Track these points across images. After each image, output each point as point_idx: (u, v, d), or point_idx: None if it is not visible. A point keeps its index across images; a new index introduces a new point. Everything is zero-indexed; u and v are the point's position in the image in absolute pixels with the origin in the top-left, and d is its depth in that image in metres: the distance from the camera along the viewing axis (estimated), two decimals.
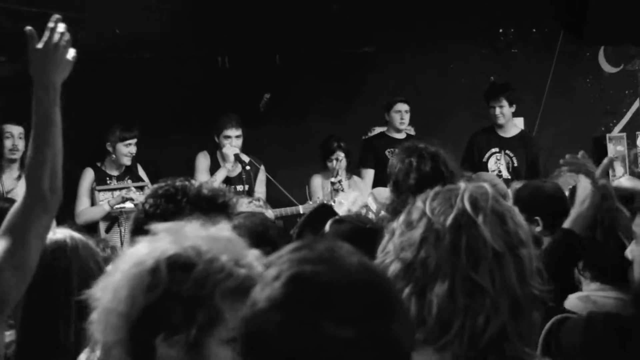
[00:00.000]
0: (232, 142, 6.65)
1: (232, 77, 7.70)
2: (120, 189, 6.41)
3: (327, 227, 2.82)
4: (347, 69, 7.98)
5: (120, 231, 6.22)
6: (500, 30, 8.43)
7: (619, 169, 8.09)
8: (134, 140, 6.55)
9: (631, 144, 8.32)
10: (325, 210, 3.22)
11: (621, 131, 8.47)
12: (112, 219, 6.29)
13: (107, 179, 6.55)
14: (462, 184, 1.68)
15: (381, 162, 6.63)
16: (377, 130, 7.88)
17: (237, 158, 6.60)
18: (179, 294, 1.54)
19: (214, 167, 6.79)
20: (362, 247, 2.30)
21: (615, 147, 8.17)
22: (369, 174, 7.19)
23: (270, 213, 6.09)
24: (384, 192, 4.98)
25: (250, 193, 6.30)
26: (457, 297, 1.54)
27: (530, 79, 7.97)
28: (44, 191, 2.18)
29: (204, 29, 7.59)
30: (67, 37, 2.20)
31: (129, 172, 6.62)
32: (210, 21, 7.57)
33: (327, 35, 7.81)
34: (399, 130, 7.31)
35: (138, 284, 1.55)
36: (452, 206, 1.61)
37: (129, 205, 6.25)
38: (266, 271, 1.31)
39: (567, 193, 3.89)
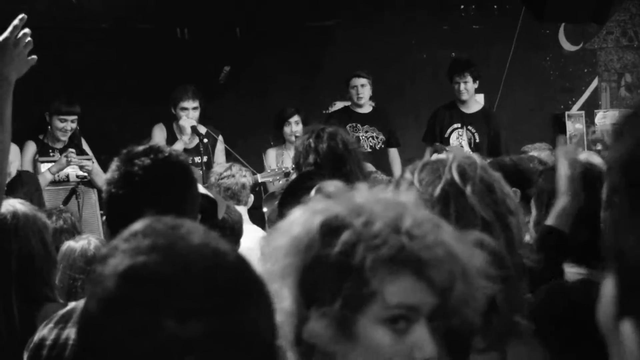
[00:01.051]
0: (189, 114, 6.56)
1: (192, 49, 7.62)
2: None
3: (312, 193, 2.80)
4: (308, 43, 7.94)
5: (78, 203, 6.13)
6: (462, 7, 8.45)
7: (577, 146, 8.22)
8: (72, 117, 6.40)
9: (589, 122, 8.36)
10: (308, 177, 3.12)
11: (580, 109, 8.54)
12: (70, 191, 6.18)
13: (50, 151, 6.45)
14: (450, 155, 1.66)
15: None
16: (339, 105, 7.84)
17: (194, 130, 6.49)
18: (326, 258, 1.35)
19: (170, 140, 6.67)
20: None
21: (574, 125, 8.24)
22: None
23: (257, 177, 6.07)
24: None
25: (208, 164, 6.20)
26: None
27: (491, 55, 8.01)
28: None
29: (162, 0, 7.51)
30: (29, 39, 2.22)
31: (73, 145, 6.46)
32: None
33: (289, 9, 7.75)
34: (359, 105, 7.27)
35: (295, 245, 1.39)
36: (441, 177, 1.60)
37: (71, 172, 6.22)
38: (100, 267, 1.13)
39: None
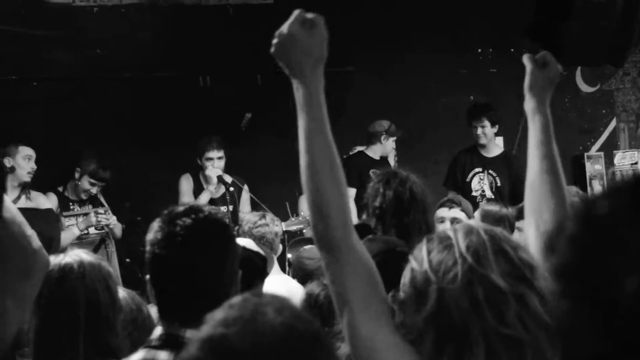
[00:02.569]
0: (215, 163, 6.62)
1: (214, 96, 7.65)
2: (85, 214, 6.36)
3: None
4: (327, 88, 7.77)
5: (107, 252, 6.22)
6: (479, 50, 8.50)
7: (597, 187, 8.17)
8: (101, 184, 6.47)
9: (609, 163, 8.38)
10: (363, 230, 3.12)
11: (599, 150, 8.54)
12: (100, 241, 6.26)
13: (70, 204, 6.47)
14: (450, 232, 1.63)
15: (363, 182, 6.61)
16: (358, 149, 7.86)
17: (220, 179, 6.54)
18: None
19: (197, 190, 6.74)
20: (388, 269, 2.29)
21: (594, 166, 8.22)
22: (351, 192, 7.17)
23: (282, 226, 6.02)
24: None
25: (235, 213, 6.25)
26: (499, 354, 1.51)
27: (509, 98, 7.83)
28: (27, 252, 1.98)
29: (185, 49, 7.58)
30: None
31: (91, 199, 6.55)
32: (191, 40, 7.58)
33: None
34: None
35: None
36: (456, 261, 1.56)
37: (92, 229, 6.30)
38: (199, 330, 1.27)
39: None
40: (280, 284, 4.04)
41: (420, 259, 1.60)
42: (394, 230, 3.31)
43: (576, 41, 6.27)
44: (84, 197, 6.42)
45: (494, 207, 4.62)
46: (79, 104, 7.30)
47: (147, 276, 2.17)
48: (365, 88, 7.98)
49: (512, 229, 4.39)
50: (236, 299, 1.27)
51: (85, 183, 6.38)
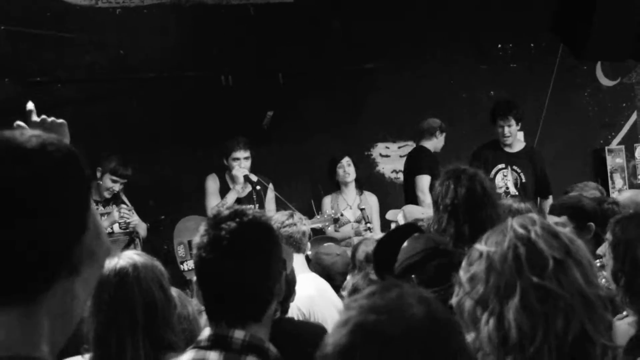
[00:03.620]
0: (241, 163, 6.62)
1: (236, 95, 7.66)
2: (107, 214, 6.34)
3: (405, 243, 2.97)
4: (349, 86, 7.93)
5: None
6: (499, 46, 8.46)
7: (618, 180, 8.13)
8: (123, 180, 6.42)
9: (629, 156, 8.35)
10: (410, 229, 3.19)
11: (619, 143, 8.50)
12: (129, 240, 6.27)
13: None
14: (507, 221, 1.78)
15: (435, 174, 6.29)
16: (381, 146, 7.79)
17: (246, 179, 6.57)
18: None
19: (223, 189, 6.74)
20: (430, 265, 2.49)
21: (614, 160, 8.17)
22: (425, 180, 6.94)
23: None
24: (415, 211, 5.28)
25: None
26: (531, 305, 1.63)
27: (529, 93, 7.96)
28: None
29: (207, 48, 7.58)
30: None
31: (114, 198, 6.50)
32: (213, 40, 7.59)
33: (329, 53, 7.77)
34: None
35: None
36: (505, 235, 1.73)
37: (116, 228, 6.29)
38: (341, 314, 1.34)
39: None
40: (310, 282, 4.08)
41: (479, 242, 1.78)
42: (467, 226, 3.33)
43: (599, 36, 6.25)
44: (107, 195, 6.37)
45: (508, 201, 4.57)
46: (102, 105, 7.32)
47: (194, 278, 2.21)
48: (385, 85, 7.97)
49: None
50: (374, 288, 1.35)
51: (107, 181, 6.35)
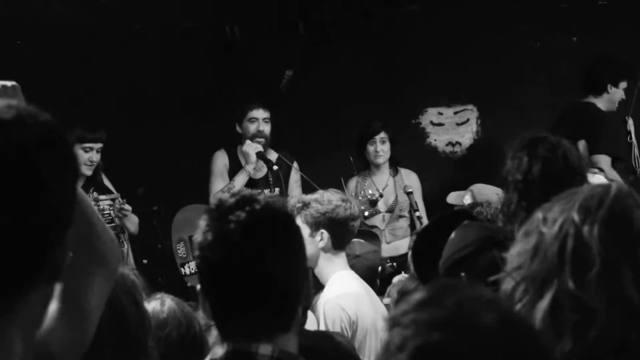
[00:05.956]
0: (260, 125, 6.20)
1: (244, 50, 7.23)
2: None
3: (452, 234, 2.96)
4: (386, 35, 7.35)
5: (122, 252, 5.87)
6: None
7: None
8: (97, 145, 5.96)
9: None
10: (462, 215, 3.17)
11: None
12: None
13: None
14: (585, 186, 1.71)
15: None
16: (431, 111, 7.51)
17: (260, 156, 6.16)
18: None
19: (233, 169, 6.35)
20: (482, 258, 2.75)
21: None
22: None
23: None
24: (486, 190, 5.09)
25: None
26: (561, 312, 1.56)
27: (624, 29, 7.12)
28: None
29: None
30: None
31: (93, 183, 6.05)
32: None
33: None
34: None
35: None
36: (563, 211, 1.62)
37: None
38: (391, 334, 1.22)
39: None
40: (354, 280, 4.02)
41: (544, 207, 1.67)
42: None
43: None
44: (87, 172, 5.89)
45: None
46: (75, 67, 6.91)
47: (198, 286, 2.09)
48: (431, 33, 7.28)
49: None
50: (423, 294, 1.25)
51: (80, 152, 5.92)
